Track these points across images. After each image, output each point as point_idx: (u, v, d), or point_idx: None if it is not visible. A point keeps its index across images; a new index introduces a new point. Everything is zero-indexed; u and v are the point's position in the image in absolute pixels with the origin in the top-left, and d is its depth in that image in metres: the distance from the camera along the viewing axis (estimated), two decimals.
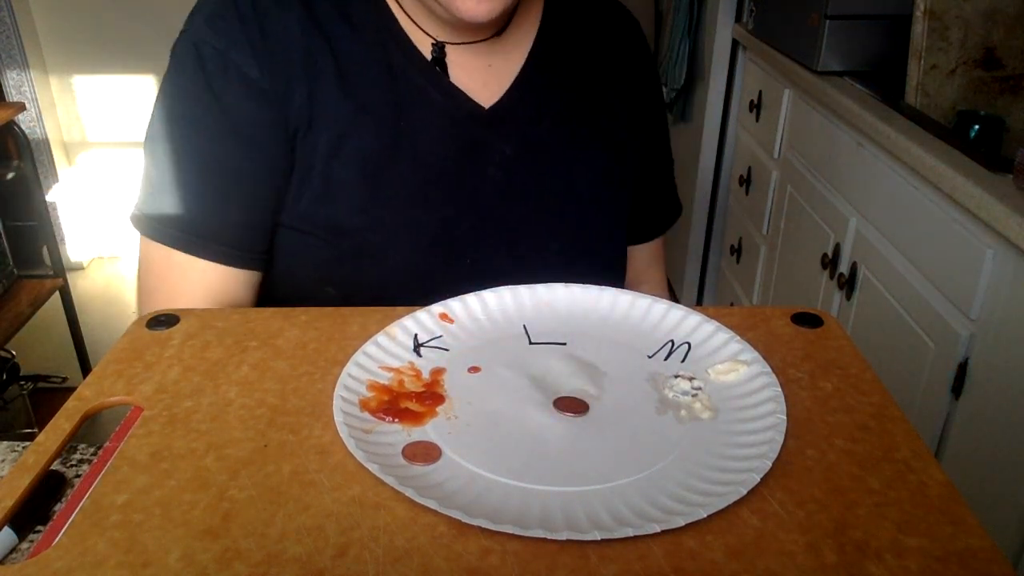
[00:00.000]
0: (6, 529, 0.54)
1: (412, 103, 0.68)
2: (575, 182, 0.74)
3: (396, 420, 0.47)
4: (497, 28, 0.71)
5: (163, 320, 0.57)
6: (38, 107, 2.72)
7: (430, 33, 0.69)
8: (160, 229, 0.67)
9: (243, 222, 0.68)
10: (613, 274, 0.80)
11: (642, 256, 0.89)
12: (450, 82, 0.69)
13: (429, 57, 0.69)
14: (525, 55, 0.73)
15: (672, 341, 0.56)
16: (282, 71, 0.65)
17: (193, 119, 0.66)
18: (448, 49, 0.70)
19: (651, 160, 0.84)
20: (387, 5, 0.69)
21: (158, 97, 0.67)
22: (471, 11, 0.61)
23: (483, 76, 0.71)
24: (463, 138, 0.70)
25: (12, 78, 2.66)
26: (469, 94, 0.70)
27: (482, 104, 0.70)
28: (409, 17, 0.69)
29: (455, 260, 0.71)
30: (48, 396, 2.00)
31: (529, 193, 0.72)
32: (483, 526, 0.39)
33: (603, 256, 0.79)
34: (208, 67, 0.64)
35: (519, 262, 0.72)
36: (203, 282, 0.68)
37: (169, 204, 0.66)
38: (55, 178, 2.77)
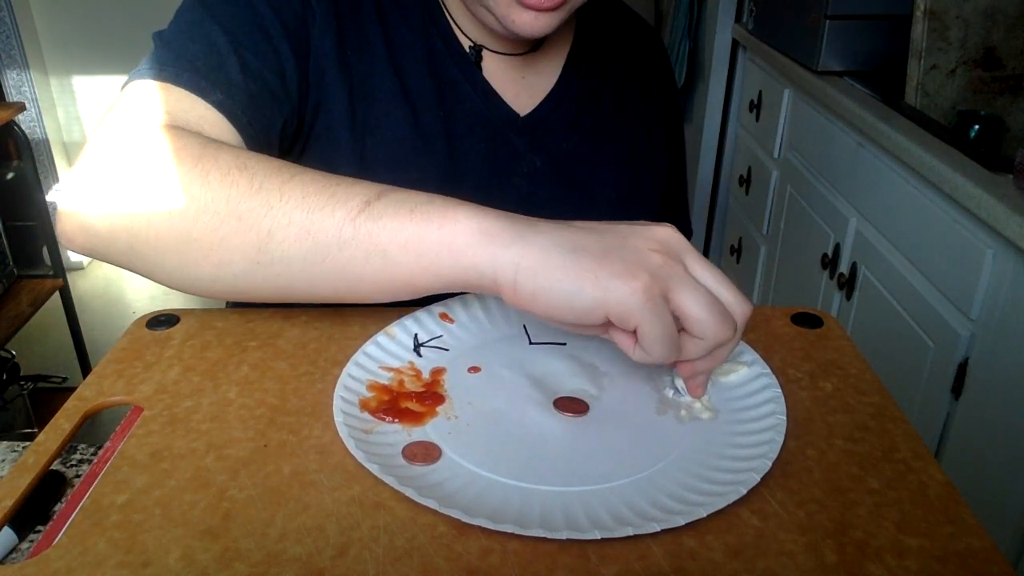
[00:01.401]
0: (6, 529, 0.54)
1: (449, 96, 0.69)
2: (598, 199, 0.75)
3: (396, 420, 0.47)
4: (534, 43, 0.72)
5: (163, 320, 0.57)
6: (38, 107, 2.72)
7: (469, 36, 0.70)
8: (163, 70, 0.57)
9: (244, 83, 0.60)
10: None
11: None
12: (487, 82, 0.70)
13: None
14: (559, 70, 0.74)
15: None
16: (332, 22, 0.65)
17: None
18: (484, 55, 0.70)
19: (667, 176, 0.84)
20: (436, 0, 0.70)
21: None
22: (528, 26, 0.61)
23: (516, 87, 0.72)
24: (496, 142, 0.70)
25: (12, 78, 2.66)
26: (504, 99, 0.71)
27: (517, 112, 0.71)
28: (452, 18, 0.70)
29: None
30: (48, 396, 2.00)
31: (551, 208, 0.72)
32: (483, 526, 0.39)
33: None
34: None
35: None
36: (198, 116, 0.57)
37: (178, 54, 0.58)
38: (55, 178, 2.77)
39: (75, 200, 0.52)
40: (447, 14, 0.69)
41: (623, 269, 0.42)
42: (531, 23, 0.61)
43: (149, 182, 0.50)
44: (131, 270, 0.53)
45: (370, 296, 0.49)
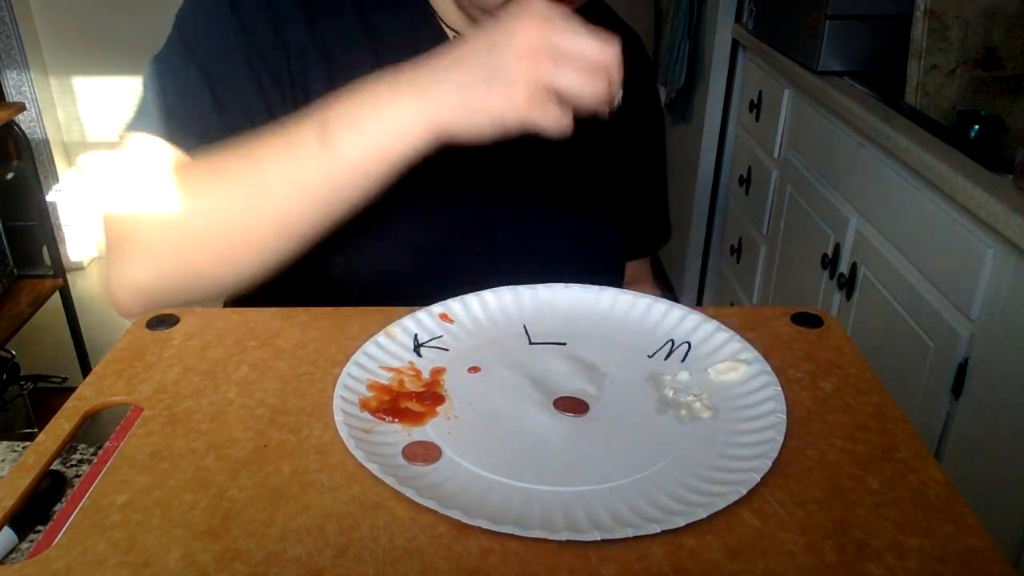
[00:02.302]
0: (6, 529, 0.54)
1: None
2: (578, 191, 0.75)
3: (396, 420, 0.47)
4: None
5: (163, 320, 0.57)
6: (38, 107, 2.72)
7: (453, 27, 0.70)
8: (146, 123, 0.62)
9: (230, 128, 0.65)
10: (612, 284, 0.82)
11: (628, 273, 0.90)
12: None
13: None
14: None
15: (672, 341, 0.56)
16: (303, 20, 0.66)
17: (208, 29, 0.65)
18: None
19: (644, 178, 0.85)
20: None
21: (173, 25, 0.66)
22: None
23: None
24: None
25: (12, 78, 2.66)
26: None
27: None
28: (436, 11, 0.70)
29: (461, 241, 0.71)
30: (48, 396, 2.00)
31: (533, 194, 0.73)
32: (483, 526, 0.39)
33: (602, 265, 0.79)
34: None
35: (520, 259, 0.73)
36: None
37: (167, 110, 0.63)
38: (55, 178, 2.77)
39: (119, 276, 0.60)
40: (431, 6, 0.70)
41: (503, 93, 0.51)
42: None
43: (172, 233, 0.58)
44: (188, 299, 0.61)
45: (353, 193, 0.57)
